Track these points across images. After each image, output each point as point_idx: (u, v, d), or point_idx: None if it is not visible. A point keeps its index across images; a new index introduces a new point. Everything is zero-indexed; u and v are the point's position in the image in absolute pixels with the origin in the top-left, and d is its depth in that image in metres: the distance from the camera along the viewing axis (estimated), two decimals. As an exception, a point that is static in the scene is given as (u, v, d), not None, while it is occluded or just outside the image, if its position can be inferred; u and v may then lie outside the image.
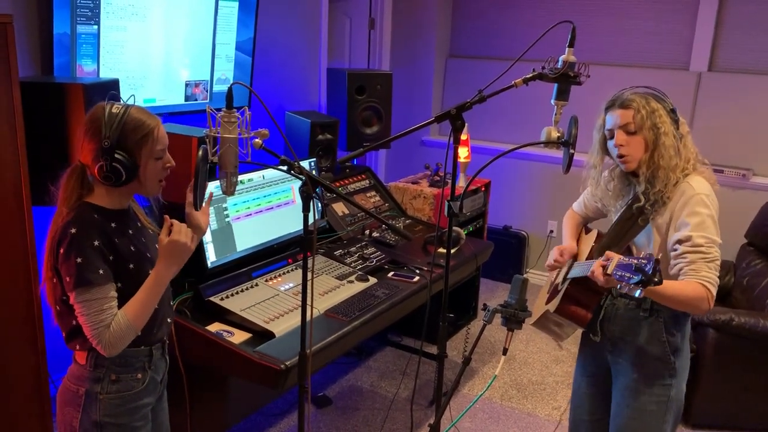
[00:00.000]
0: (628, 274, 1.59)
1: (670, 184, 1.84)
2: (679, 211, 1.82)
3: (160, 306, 1.70)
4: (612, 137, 1.89)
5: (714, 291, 1.76)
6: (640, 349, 1.93)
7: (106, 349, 1.55)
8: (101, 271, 1.54)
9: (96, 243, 1.54)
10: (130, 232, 1.66)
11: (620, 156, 1.87)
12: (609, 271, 1.66)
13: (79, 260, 1.51)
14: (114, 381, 1.63)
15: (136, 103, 1.63)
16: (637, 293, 1.58)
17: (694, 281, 1.76)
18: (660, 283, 1.55)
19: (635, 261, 1.59)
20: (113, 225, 1.61)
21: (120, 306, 1.58)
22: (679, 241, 1.80)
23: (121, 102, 1.62)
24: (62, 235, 1.53)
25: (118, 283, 1.59)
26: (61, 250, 1.53)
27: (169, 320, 1.79)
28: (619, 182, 1.99)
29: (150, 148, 1.59)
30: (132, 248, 1.63)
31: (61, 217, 1.59)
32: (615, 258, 1.67)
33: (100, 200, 1.62)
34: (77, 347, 1.63)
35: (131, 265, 1.61)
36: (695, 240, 1.77)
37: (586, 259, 2.03)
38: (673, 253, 1.83)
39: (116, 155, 1.54)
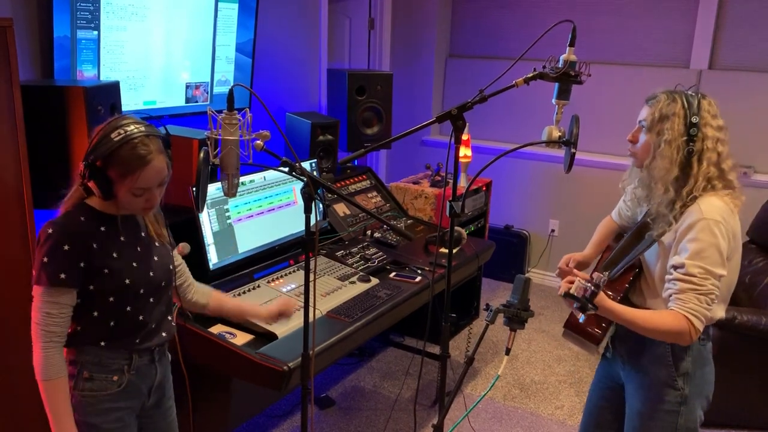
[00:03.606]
0: (577, 296, 1.61)
1: (667, 200, 1.72)
2: (682, 234, 1.71)
3: (150, 318, 1.71)
4: None
5: (699, 325, 1.65)
6: (647, 372, 1.85)
7: (35, 347, 1.57)
8: (62, 276, 1.55)
9: (66, 247, 1.55)
10: (122, 239, 1.66)
11: (629, 147, 1.84)
12: (571, 291, 1.64)
13: (45, 259, 1.55)
14: (87, 379, 1.63)
15: (146, 132, 1.58)
16: (581, 318, 1.59)
17: (678, 312, 1.66)
18: (595, 310, 1.56)
19: (586, 285, 1.60)
20: (102, 229, 1.62)
21: (89, 307, 1.61)
22: (674, 267, 1.71)
23: (130, 121, 1.59)
24: (42, 230, 1.57)
25: (90, 285, 1.60)
26: (38, 244, 1.57)
27: (164, 334, 1.77)
28: (639, 187, 1.89)
29: (129, 186, 1.57)
30: (114, 254, 1.63)
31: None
32: (577, 279, 1.67)
33: (96, 203, 1.63)
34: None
35: (105, 270, 1.61)
36: (688, 269, 1.66)
37: (593, 271, 2.00)
38: (666, 276, 1.74)
39: (95, 175, 1.55)
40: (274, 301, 1.94)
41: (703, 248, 1.66)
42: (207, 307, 1.97)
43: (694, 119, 1.72)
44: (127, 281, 1.63)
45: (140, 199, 1.60)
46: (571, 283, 1.68)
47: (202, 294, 1.96)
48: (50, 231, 1.55)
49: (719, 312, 1.78)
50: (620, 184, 2.02)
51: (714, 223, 1.67)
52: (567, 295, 1.59)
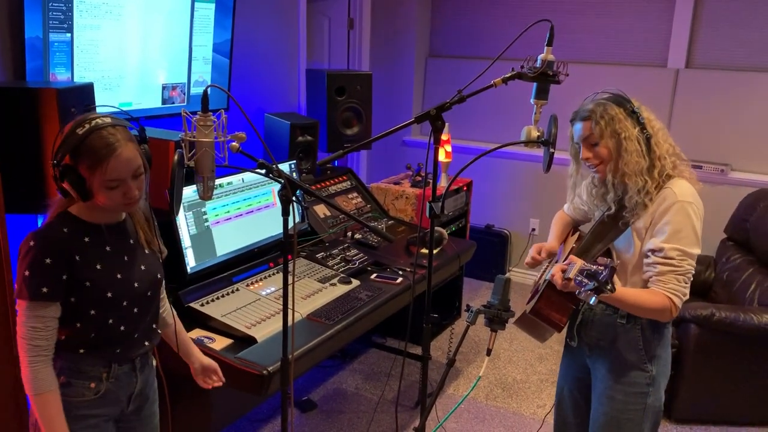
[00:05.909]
0: (585, 280, 1.60)
1: (644, 187, 1.80)
2: (659, 216, 1.79)
3: (134, 328, 1.67)
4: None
5: (680, 303, 1.78)
6: (617, 356, 1.92)
7: (23, 362, 1.53)
8: (45, 290, 1.51)
9: (48, 261, 1.51)
10: (108, 248, 1.61)
11: (590, 166, 1.89)
12: (570, 276, 1.66)
13: (26, 273, 1.50)
14: (64, 384, 1.59)
15: (111, 123, 1.54)
16: (592, 300, 1.59)
17: (660, 292, 1.77)
18: (613, 291, 1.57)
19: (594, 267, 1.60)
20: (86, 239, 1.58)
21: (72, 318, 1.56)
22: (652, 251, 1.79)
23: (95, 116, 1.54)
24: (24, 242, 1.53)
25: (72, 297, 1.55)
26: (20, 257, 1.52)
27: (147, 343, 1.73)
28: (601, 188, 1.96)
29: (100, 178, 1.51)
30: (98, 266, 1.58)
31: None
32: (577, 263, 1.68)
33: (79, 211, 1.59)
34: None
35: (87, 283, 1.56)
36: (667, 252, 1.76)
37: (564, 260, 2.02)
38: (645, 260, 1.82)
39: (67, 173, 1.50)
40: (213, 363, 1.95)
41: (680, 229, 1.76)
42: (164, 330, 1.88)
43: (635, 108, 1.82)
44: (109, 294, 1.59)
45: (117, 193, 1.54)
46: (564, 271, 1.69)
47: (168, 315, 1.89)
48: (32, 244, 1.51)
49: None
50: (569, 183, 2.08)
51: (688, 204, 1.77)
52: (590, 276, 1.56)
